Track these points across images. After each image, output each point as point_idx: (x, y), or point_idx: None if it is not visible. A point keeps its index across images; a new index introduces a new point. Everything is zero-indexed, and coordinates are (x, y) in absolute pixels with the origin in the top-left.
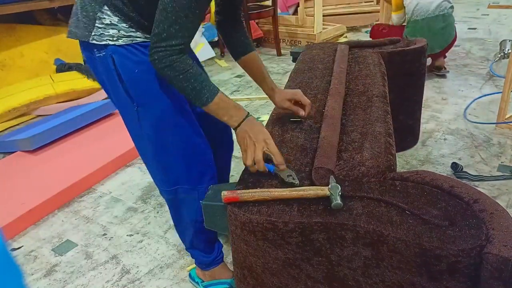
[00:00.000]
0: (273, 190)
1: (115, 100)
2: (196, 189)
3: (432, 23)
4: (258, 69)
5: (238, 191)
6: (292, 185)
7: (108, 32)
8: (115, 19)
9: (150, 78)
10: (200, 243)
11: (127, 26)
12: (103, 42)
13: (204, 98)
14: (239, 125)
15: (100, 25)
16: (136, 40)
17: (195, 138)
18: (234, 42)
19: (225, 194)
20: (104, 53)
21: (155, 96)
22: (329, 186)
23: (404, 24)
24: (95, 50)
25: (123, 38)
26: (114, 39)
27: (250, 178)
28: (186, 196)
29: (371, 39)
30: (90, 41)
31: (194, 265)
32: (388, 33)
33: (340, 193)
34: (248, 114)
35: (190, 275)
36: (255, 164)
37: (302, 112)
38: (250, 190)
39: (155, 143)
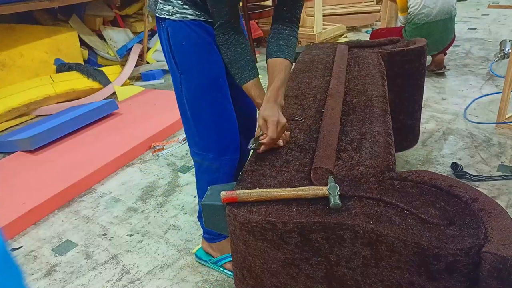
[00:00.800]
0: (272, 190)
1: (169, 66)
2: (219, 159)
3: (432, 27)
4: (272, 77)
5: (237, 192)
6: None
7: (166, 7)
8: None
9: (194, 51)
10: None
11: (181, 3)
12: (162, 16)
13: (242, 78)
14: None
15: (161, 1)
16: (187, 17)
17: (226, 110)
18: (269, 42)
19: (224, 194)
20: (163, 25)
21: (196, 67)
22: (328, 186)
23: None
24: (160, 21)
25: (177, 14)
26: (170, 14)
27: (249, 178)
28: (209, 165)
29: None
30: (155, 14)
31: (199, 246)
32: (387, 34)
33: (338, 193)
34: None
35: (196, 256)
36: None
37: (263, 137)
38: (249, 191)
39: (192, 107)
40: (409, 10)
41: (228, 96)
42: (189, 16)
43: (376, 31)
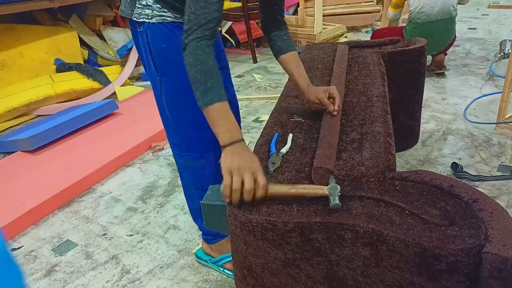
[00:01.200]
0: (272, 187)
1: (147, 69)
2: (204, 157)
3: (433, 27)
4: (296, 67)
5: None
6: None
7: (145, 11)
8: (150, 1)
9: (173, 54)
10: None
11: (159, 7)
12: (141, 20)
13: (209, 98)
14: (230, 144)
15: (139, 6)
16: (167, 19)
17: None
18: (274, 41)
19: None
20: (142, 29)
21: (175, 69)
22: (329, 186)
23: (403, 24)
24: (137, 25)
25: (156, 17)
26: (149, 17)
27: None
28: (194, 164)
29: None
30: (133, 19)
31: (199, 246)
32: (388, 34)
33: (339, 193)
34: (242, 139)
35: (196, 256)
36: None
37: (331, 107)
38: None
39: (172, 109)
40: (410, 9)
41: None
42: (168, 18)
43: (377, 31)
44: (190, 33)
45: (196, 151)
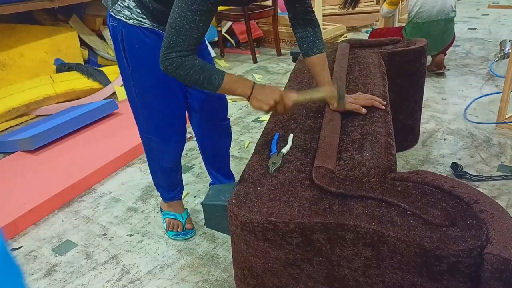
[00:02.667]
0: (295, 99)
1: (118, 61)
2: (164, 144)
3: (432, 27)
4: (322, 71)
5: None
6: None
7: (124, 12)
8: (132, 4)
9: (146, 54)
10: (164, 182)
11: (140, 12)
12: (119, 17)
13: (216, 82)
14: (251, 92)
15: (120, 4)
16: (143, 25)
17: (173, 110)
18: (300, 42)
19: None
20: (116, 24)
21: (146, 67)
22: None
23: (402, 24)
24: (114, 20)
25: (133, 20)
26: (127, 18)
27: (251, 178)
28: (156, 146)
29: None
30: (110, 12)
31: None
32: (386, 34)
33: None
34: (254, 83)
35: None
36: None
37: (364, 110)
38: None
39: (141, 100)
40: (409, 9)
41: (176, 98)
42: (145, 24)
43: (375, 31)
44: (172, 53)
45: (158, 136)
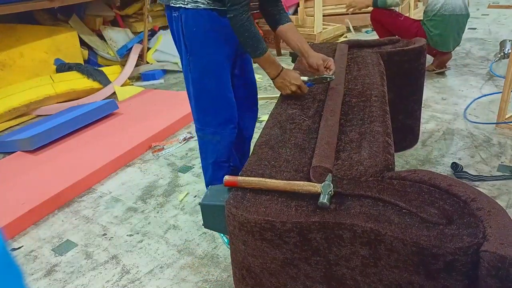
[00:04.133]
0: (269, 181)
1: (178, 48)
2: (219, 133)
3: (459, 20)
4: (294, 36)
5: (239, 178)
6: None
7: None
8: None
9: (203, 37)
10: (217, 181)
11: None
12: (178, 5)
13: (258, 52)
14: (278, 75)
15: None
16: (200, 7)
17: (226, 91)
18: (272, 14)
19: (226, 178)
20: (177, 14)
21: (204, 51)
22: (322, 184)
23: (420, 18)
24: (173, 11)
25: (191, 3)
26: (185, 3)
27: (253, 172)
28: (211, 138)
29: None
30: (170, 4)
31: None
32: (403, 22)
33: (331, 193)
34: (283, 68)
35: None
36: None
37: (328, 71)
38: (248, 178)
39: (196, 86)
40: (431, 2)
41: (229, 79)
42: (202, 5)
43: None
44: (233, 9)
45: (212, 126)
